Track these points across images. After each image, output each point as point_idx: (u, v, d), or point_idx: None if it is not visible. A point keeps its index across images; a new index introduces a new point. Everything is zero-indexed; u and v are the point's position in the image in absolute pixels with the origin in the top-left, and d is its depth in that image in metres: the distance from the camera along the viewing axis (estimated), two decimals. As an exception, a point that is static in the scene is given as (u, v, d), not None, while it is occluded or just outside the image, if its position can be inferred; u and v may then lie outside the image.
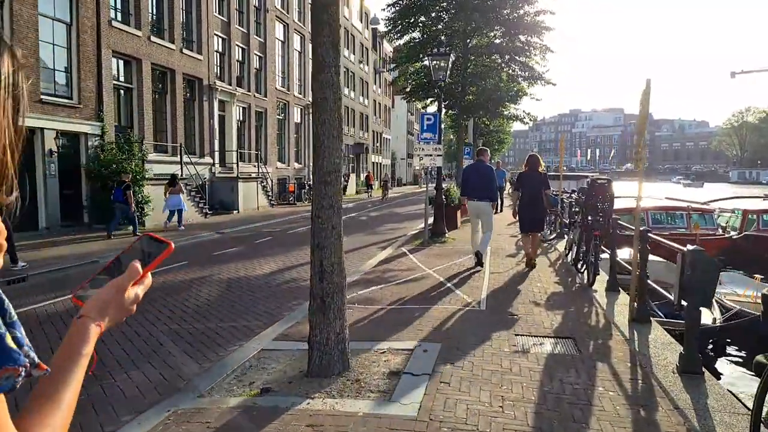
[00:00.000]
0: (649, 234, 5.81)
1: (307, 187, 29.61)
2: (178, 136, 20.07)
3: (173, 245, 0.91)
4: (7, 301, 0.69)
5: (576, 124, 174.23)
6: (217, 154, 22.56)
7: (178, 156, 19.55)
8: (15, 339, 0.67)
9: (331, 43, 4.14)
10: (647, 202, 14.73)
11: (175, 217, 15.93)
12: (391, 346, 4.96)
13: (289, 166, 30.11)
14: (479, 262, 9.04)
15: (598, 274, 7.54)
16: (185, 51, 20.53)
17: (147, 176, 16.58)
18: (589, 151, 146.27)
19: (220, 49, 23.19)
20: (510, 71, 17.73)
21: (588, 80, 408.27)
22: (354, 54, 43.59)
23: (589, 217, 7.68)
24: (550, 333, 5.42)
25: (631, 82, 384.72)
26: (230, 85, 23.45)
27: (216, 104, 22.39)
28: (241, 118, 25.36)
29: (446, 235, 12.76)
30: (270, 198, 25.32)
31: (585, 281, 7.85)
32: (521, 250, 11.09)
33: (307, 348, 4.26)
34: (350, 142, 43.40)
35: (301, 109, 31.78)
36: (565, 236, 12.19)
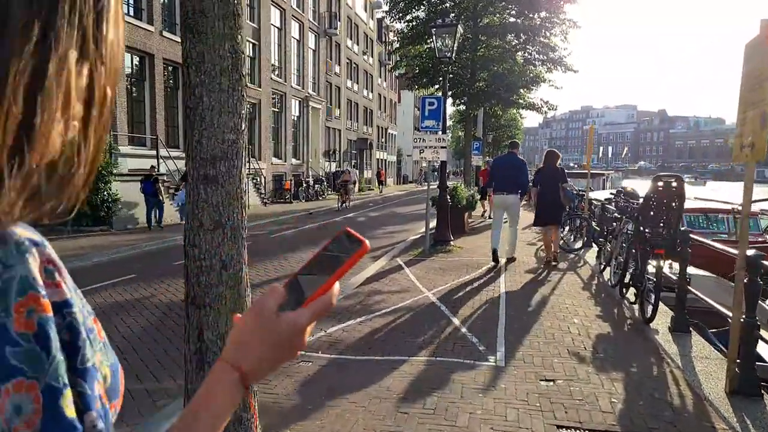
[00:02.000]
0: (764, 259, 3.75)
1: (305, 185, 27.66)
2: (159, 128, 18.14)
3: (368, 244, 0.64)
4: (87, 333, 0.47)
5: (587, 121, 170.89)
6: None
7: (157, 149, 17.62)
8: (82, 397, 0.44)
9: None
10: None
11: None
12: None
13: (285, 162, 28.15)
14: (494, 259, 8.88)
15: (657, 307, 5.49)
16: (166, 34, 18.60)
17: (116, 171, 14.64)
18: (601, 148, 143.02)
19: (207, 34, 21.22)
20: (526, 54, 15.60)
21: (600, 76, 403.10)
22: (357, 45, 41.55)
23: (647, 229, 5.62)
24: (614, 423, 3.38)
25: (644, 78, 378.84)
26: (218, 72, 21.47)
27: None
28: (231, 110, 23.38)
29: (451, 242, 10.71)
30: (263, 196, 23.37)
31: (638, 314, 5.81)
32: (542, 262, 9.07)
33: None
34: (353, 137, 41.40)
35: (299, 101, 29.81)
36: (594, 245, 10.14)
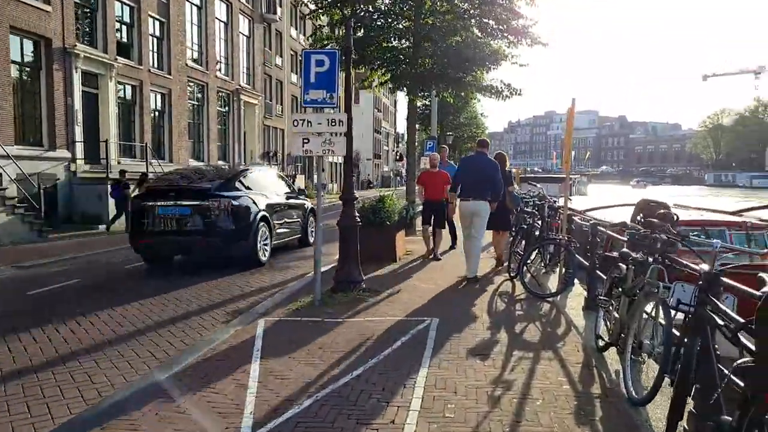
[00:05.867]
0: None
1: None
2: (4, 119, 13.80)
3: None
4: None
5: (551, 126, 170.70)
6: (80, 146, 16.28)
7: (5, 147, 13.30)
8: None
9: None
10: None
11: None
12: None
13: (209, 164, 23.90)
14: (474, 279, 7.53)
15: None
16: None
17: None
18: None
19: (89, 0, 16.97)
20: (482, 22, 11.97)
21: (562, 82, 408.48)
22: (304, 36, 37.56)
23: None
24: None
25: (604, 85, 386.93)
26: (105, 52, 17.23)
27: (78, 76, 16.10)
28: (130, 100, 19.15)
29: (363, 285, 6.90)
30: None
31: None
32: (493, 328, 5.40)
33: None
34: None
35: (227, 95, 25.65)
36: (578, 283, 6.58)
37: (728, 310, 2.52)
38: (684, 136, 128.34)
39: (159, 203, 8.54)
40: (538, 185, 9.57)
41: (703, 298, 2.73)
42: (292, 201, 10.61)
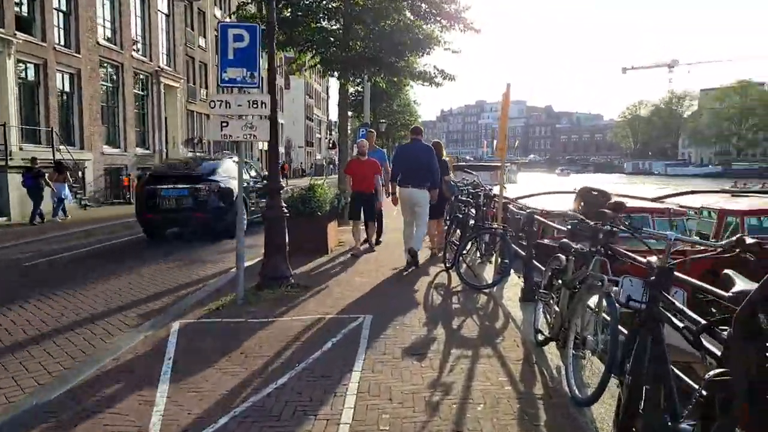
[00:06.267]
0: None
1: (150, 180, 22.03)
2: None
3: None
4: None
5: (482, 115, 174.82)
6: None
7: None
8: None
9: None
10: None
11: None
12: None
13: (126, 151, 22.34)
14: (414, 262, 7.53)
15: None
16: None
17: None
18: (495, 141, 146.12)
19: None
20: (415, 5, 11.59)
21: (492, 72, 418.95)
22: (230, 18, 35.89)
23: None
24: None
25: (532, 76, 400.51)
26: (2, 27, 15.49)
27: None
28: (33, 80, 17.41)
29: (291, 280, 6.43)
30: (80, 197, 17.69)
31: None
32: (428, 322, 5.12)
33: None
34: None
35: (146, 77, 24.01)
36: (514, 273, 6.44)
37: (685, 309, 2.30)
38: (605, 126, 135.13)
39: (162, 186, 10.44)
40: (474, 173, 9.40)
41: (656, 295, 2.51)
42: (258, 185, 12.27)
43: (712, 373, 1.72)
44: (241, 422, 3.28)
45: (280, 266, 6.27)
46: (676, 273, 2.51)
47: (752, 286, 1.84)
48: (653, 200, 13.02)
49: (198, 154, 29.24)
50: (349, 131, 15.79)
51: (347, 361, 4.20)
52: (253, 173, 12.82)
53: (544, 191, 13.36)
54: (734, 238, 2.25)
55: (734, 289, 1.85)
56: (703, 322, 2.11)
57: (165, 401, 3.58)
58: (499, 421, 3.24)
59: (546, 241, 7.75)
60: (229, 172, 10.88)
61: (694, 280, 2.48)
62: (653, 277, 2.53)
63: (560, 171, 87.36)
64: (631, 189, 22.89)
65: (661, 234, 2.55)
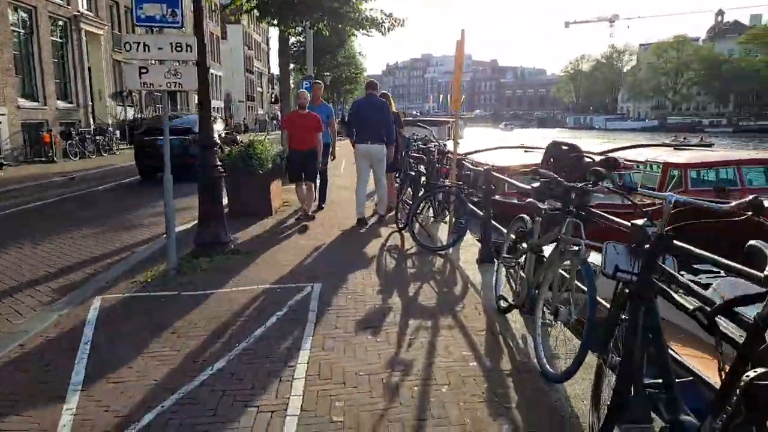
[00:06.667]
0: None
1: (76, 137, 20.35)
2: None
3: None
4: None
5: (428, 69, 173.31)
6: None
7: None
8: None
9: None
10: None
11: None
12: None
13: (46, 105, 20.36)
14: (363, 221, 7.51)
15: None
16: None
17: None
18: (441, 96, 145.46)
19: None
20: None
21: (438, 25, 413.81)
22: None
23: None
24: None
25: (477, 29, 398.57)
26: None
27: None
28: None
29: (231, 245, 5.86)
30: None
31: None
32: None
33: None
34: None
35: (64, 23, 21.78)
36: (470, 233, 6.13)
37: (694, 286, 1.96)
38: (549, 81, 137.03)
39: (158, 138, 11.08)
40: (428, 128, 8.91)
41: (652, 266, 2.17)
42: (230, 136, 13.84)
43: (751, 373, 1.37)
44: (170, 419, 2.81)
45: (218, 231, 5.68)
46: (676, 241, 2.17)
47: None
48: (599, 155, 13.10)
49: (128, 107, 27.37)
50: (293, 85, 14.87)
51: (294, 339, 3.77)
52: (222, 125, 14.65)
53: (495, 146, 13.14)
54: (747, 199, 1.90)
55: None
56: (717, 301, 1.77)
57: (78, 396, 3.04)
58: (467, 404, 2.91)
59: (498, 197, 7.47)
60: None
61: (702, 252, 2.15)
62: (648, 246, 2.18)
63: (504, 126, 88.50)
64: (578, 144, 23.18)
65: (661, 195, 2.18)
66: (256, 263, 5.59)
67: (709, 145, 23.59)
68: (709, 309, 1.75)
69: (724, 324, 1.74)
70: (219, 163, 5.64)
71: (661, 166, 12.03)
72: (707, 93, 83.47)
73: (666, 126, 72.95)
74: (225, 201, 8.08)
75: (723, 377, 1.66)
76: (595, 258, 2.98)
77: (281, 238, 6.74)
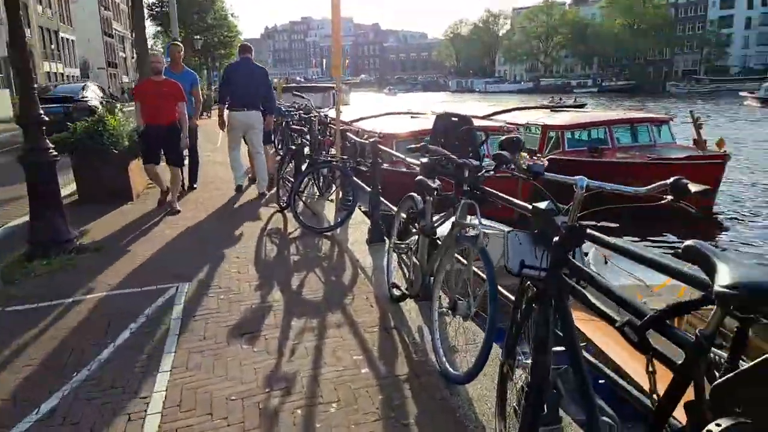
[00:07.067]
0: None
1: None
2: None
3: None
4: None
5: (309, 32, 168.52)
6: None
7: None
8: None
9: None
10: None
11: None
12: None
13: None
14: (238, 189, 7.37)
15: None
16: None
17: None
18: (324, 61, 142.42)
19: None
20: None
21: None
22: None
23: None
24: None
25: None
26: None
27: None
28: None
29: (75, 242, 4.92)
30: None
31: None
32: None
33: None
34: None
35: None
36: (359, 211, 5.71)
37: (612, 287, 1.63)
38: (430, 45, 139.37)
39: (48, 105, 9.90)
40: (305, 96, 8.20)
41: (564, 263, 1.83)
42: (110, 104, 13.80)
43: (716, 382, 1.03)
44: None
45: (57, 225, 4.70)
46: (591, 231, 1.84)
47: (755, 270, 1.16)
48: (482, 118, 13.24)
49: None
50: (149, 46, 13.34)
51: (151, 359, 3.11)
52: (99, 92, 17.77)
53: (382, 113, 12.77)
54: (668, 181, 1.59)
55: (727, 279, 1.16)
56: (648, 311, 1.45)
57: None
58: (359, 426, 2.48)
59: (386, 165, 7.08)
60: (91, 93, 16.46)
61: (629, 246, 1.83)
62: (558, 239, 1.83)
63: (388, 90, 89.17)
64: (462, 107, 23.54)
65: (570, 179, 1.82)
66: (109, 262, 4.71)
67: (583, 105, 25.16)
68: (639, 322, 1.42)
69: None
70: (50, 145, 4.61)
71: (540, 129, 12.46)
72: (574, 55, 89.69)
73: (540, 88, 77.51)
74: (74, 187, 6.97)
75: (652, 382, 1.39)
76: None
77: (144, 229, 5.83)
